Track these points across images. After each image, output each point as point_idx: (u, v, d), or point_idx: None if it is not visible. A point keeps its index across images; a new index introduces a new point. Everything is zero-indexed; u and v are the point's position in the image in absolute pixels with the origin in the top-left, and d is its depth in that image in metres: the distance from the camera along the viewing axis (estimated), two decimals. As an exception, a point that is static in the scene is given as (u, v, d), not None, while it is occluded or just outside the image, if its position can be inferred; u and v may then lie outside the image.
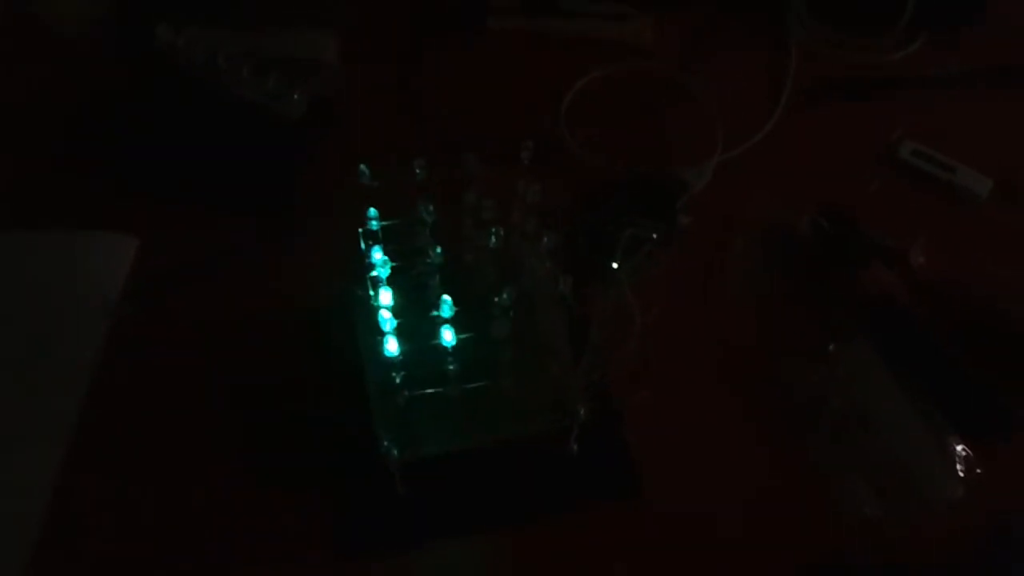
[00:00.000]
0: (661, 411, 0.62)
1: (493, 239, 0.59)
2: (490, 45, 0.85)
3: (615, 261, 0.66)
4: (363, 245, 0.59)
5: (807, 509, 0.59)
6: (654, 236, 0.67)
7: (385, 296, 0.57)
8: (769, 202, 0.73)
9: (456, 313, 0.55)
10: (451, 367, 0.56)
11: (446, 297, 0.54)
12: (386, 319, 0.55)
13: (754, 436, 0.62)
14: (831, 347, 0.64)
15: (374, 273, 0.58)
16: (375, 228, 0.58)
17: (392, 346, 0.56)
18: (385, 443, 0.53)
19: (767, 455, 0.61)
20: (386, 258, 0.58)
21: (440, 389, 0.57)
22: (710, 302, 0.69)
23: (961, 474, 0.59)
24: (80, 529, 0.58)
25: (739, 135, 0.77)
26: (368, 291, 0.58)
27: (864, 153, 0.78)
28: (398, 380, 0.57)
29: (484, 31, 0.85)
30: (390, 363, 0.57)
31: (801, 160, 0.77)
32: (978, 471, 0.59)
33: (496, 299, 0.54)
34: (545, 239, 0.58)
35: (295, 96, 0.76)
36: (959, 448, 0.60)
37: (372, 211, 0.58)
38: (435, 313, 0.55)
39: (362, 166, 0.58)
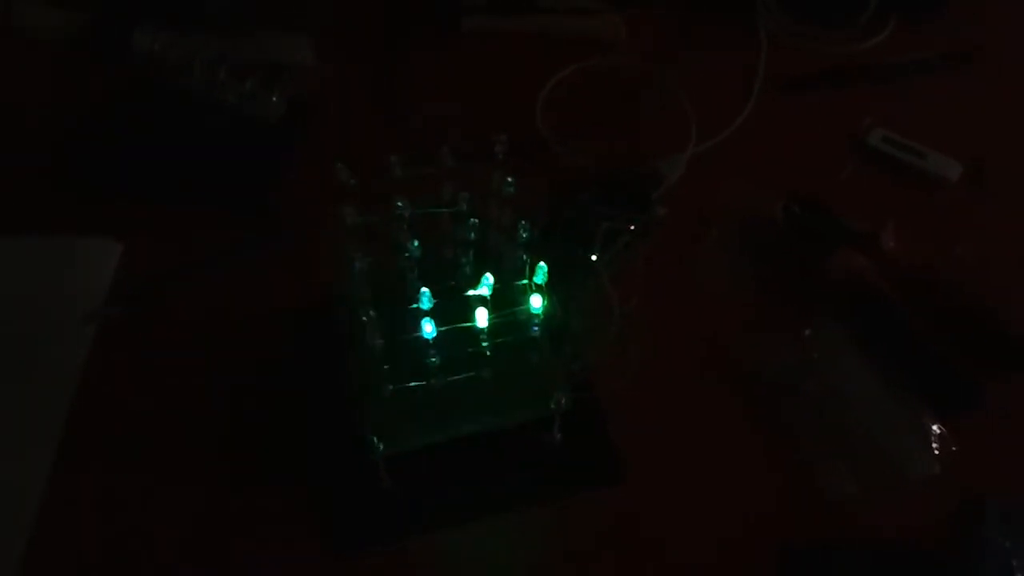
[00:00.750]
0: (641, 399, 0.63)
1: (470, 232, 0.60)
2: (465, 44, 0.86)
3: (593, 253, 0.67)
4: (342, 242, 0.59)
5: (787, 490, 0.60)
6: (631, 228, 0.68)
7: (365, 291, 0.58)
8: (743, 192, 0.73)
9: (435, 305, 0.56)
10: (433, 359, 0.57)
11: (425, 290, 0.55)
12: (367, 312, 0.56)
13: (734, 421, 0.63)
14: (806, 332, 0.65)
15: (354, 268, 0.58)
16: (354, 224, 0.59)
17: (374, 339, 0.56)
18: (370, 436, 0.54)
19: (747, 439, 0.62)
20: (365, 254, 0.58)
21: (423, 382, 0.58)
22: (687, 291, 0.70)
23: (936, 451, 0.60)
24: (75, 529, 0.58)
25: (712, 127, 0.78)
26: (349, 286, 0.59)
27: (835, 141, 0.79)
28: (381, 374, 0.58)
29: (459, 30, 0.86)
30: (373, 357, 0.57)
31: (773, 150, 0.78)
32: (953, 448, 0.60)
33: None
34: (522, 231, 0.59)
35: (273, 98, 0.77)
36: (934, 426, 0.61)
37: (350, 208, 0.58)
38: (415, 306, 0.56)
39: (339, 164, 0.58)
